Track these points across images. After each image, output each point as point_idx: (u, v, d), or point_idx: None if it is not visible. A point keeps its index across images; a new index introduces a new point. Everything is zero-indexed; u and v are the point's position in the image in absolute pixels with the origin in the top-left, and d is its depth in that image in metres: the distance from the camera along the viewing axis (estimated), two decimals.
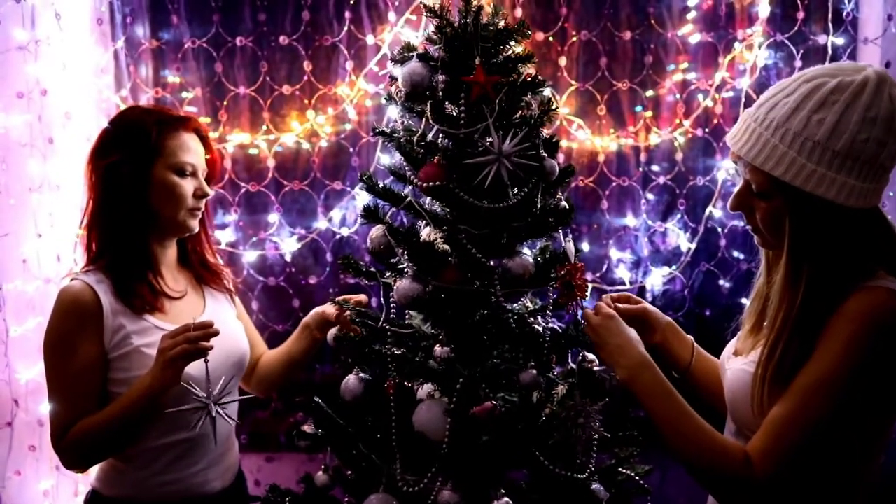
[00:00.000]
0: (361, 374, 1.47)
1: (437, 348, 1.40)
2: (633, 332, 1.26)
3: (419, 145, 1.39)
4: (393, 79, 1.41)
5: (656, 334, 1.41)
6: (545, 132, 1.43)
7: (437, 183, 1.33)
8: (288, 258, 2.31)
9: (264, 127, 2.28)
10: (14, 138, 2.11)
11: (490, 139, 1.30)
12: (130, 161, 1.50)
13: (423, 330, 1.47)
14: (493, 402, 1.39)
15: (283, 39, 2.25)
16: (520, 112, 1.39)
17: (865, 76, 1.07)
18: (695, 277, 2.47)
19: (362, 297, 1.58)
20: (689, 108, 2.40)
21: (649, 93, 2.42)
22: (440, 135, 1.39)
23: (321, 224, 2.35)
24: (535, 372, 1.37)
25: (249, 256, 2.29)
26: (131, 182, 1.50)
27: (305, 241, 2.32)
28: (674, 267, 2.44)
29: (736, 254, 2.49)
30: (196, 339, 1.38)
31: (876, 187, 1.10)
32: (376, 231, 1.43)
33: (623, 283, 2.40)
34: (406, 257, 1.39)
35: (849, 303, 1.08)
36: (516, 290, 1.42)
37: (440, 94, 1.35)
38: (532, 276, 1.39)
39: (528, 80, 1.39)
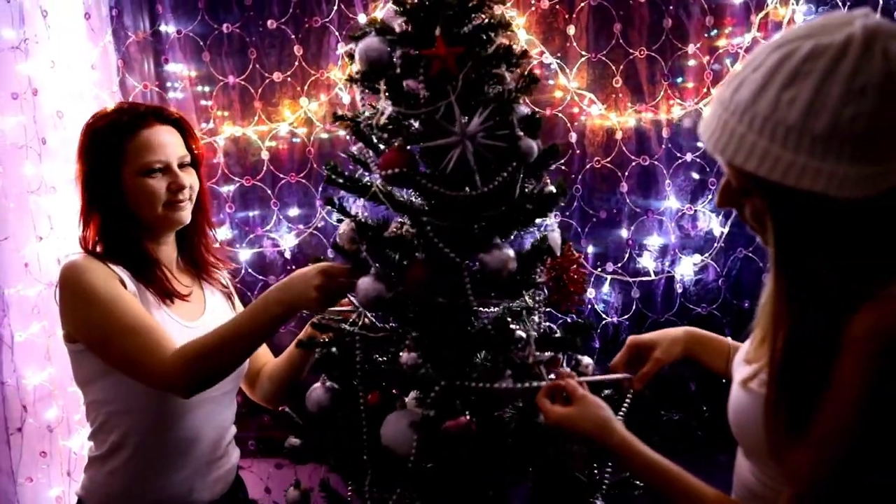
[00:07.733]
0: (328, 383, 1.36)
1: (404, 354, 1.26)
2: (595, 410, 1.13)
3: (380, 129, 1.25)
4: (350, 57, 1.28)
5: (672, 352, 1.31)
6: (526, 109, 1.27)
7: (397, 170, 1.19)
8: (287, 255, 2.20)
9: (256, 117, 2.16)
10: (10, 140, 2.09)
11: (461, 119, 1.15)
12: (100, 170, 1.47)
13: (398, 333, 1.34)
14: (468, 416, 1.25)
15: (270, 23, 2.13)
16: (491, 87, 1.24)
17: (849, 35, 0.83)
18: (730, 265, 2.23)
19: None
20: (717, 75, 2.15)
21: (672, 61, 2.18)
22: (402, 117, 1.25)
23: (320, 218, 2.22)
24: (515, 384, 1.22)
25: (246, 254, 2.19)
26: (105, 189, 1.47)
27: (304, 237, 2.20)
28: (706, 254, 2.21)
29: None
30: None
31: (880, 170, 0.85)
32: (344, 226, 1.32)
33: (647, 274, 2.18)
34: (368, 253, 1.26)
35: (859, 318, 0.87)
36: (492, 294, 1.27)
37: (398, 70, 1.22)
38: (513, 272, 1.23)
39: (501, 51, 1.23)
